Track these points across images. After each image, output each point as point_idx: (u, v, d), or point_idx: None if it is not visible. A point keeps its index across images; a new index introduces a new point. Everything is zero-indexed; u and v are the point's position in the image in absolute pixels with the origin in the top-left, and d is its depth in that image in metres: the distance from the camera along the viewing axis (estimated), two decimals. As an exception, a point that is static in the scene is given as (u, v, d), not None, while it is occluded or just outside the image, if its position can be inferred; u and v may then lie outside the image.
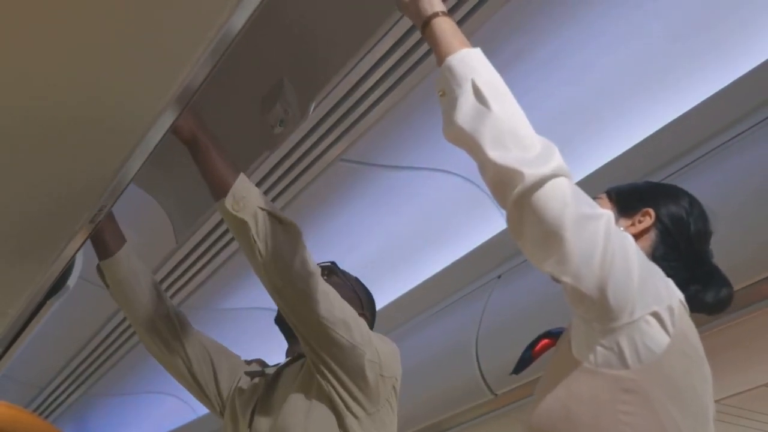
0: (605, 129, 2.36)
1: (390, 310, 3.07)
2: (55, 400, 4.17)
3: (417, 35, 1.95)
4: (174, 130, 1.71)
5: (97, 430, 4.70)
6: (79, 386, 4.02)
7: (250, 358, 2.22)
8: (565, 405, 1.22)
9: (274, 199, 2.54)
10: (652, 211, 1.39)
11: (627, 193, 1.45)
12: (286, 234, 1.76)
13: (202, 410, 4.25)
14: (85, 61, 1.45)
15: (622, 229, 1.34)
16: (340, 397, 1.77)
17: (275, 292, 1.80)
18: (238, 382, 2.07)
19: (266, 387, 1.98)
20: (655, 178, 2.29)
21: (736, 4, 2.01)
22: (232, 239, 2.77)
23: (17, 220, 1.85)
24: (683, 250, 1.35)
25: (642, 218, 1.41)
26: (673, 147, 2.27)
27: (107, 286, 2.05)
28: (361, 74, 2.05)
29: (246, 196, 1.75)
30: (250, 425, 1.90)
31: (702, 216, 1.44)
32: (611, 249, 1.19)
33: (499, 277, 2.96)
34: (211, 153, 1.78)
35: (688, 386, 1.24)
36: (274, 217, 1.75)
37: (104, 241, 2.01)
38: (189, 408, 4.31)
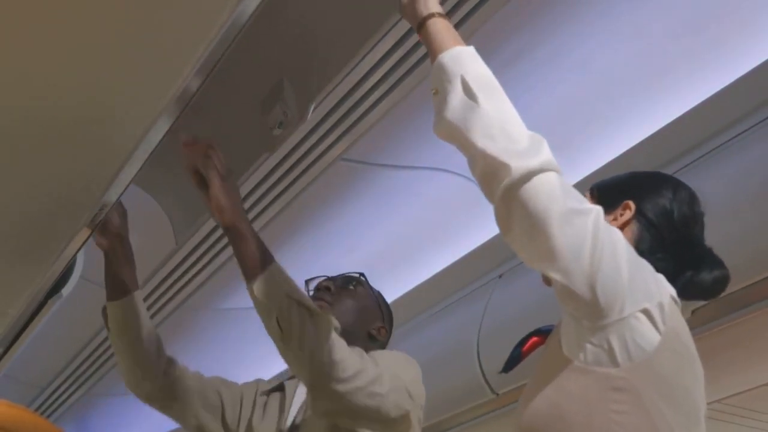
0: (606, 128, 2.36)
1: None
2: (56, 400, 4.17)
3: (415, 37, 1.95)
4: (216, 215, 1.77)
5: (99, 430, 4.70)
6: (80, 386, 4.02)
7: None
8: (557, 404, 1.21)
9: (274, 199, 2.54)
10: (632, 203, 1.38)
11: (608, 187, 1.44)
12: (315, 324, 1.72)
13: (204, 410, 4.25)
14: (85, 62, 1.45)
15: None
16: None
17: (310, 390, 1.76)
18: (252, 408, 2.05)
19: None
20: (656, 178, 2.30)
21: (737, 3, 2.01)
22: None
23: (17, 219, 1.85)
24: (669, 238, 1.33)
25: (623, 211, 1.40)
26: (673, 146, 2.27)
27: (108, 328, 2.03)
28: (361, 74, 2.05)
29: (277, 282, 1.78)
30: None
31: (688, 199, 1.42)
32: (599, 245, 1.18)
33: (500, 276, 2.96)
34: (248, 241, 1.82)
35: (680, 385, 1.24)
36: (303, 306, 1.74)
37: (118, 282, 2.00)
38: (190, 408, 4.31)
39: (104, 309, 2.01)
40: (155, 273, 2.98)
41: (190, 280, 3.04)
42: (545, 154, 1.25)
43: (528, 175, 1.21)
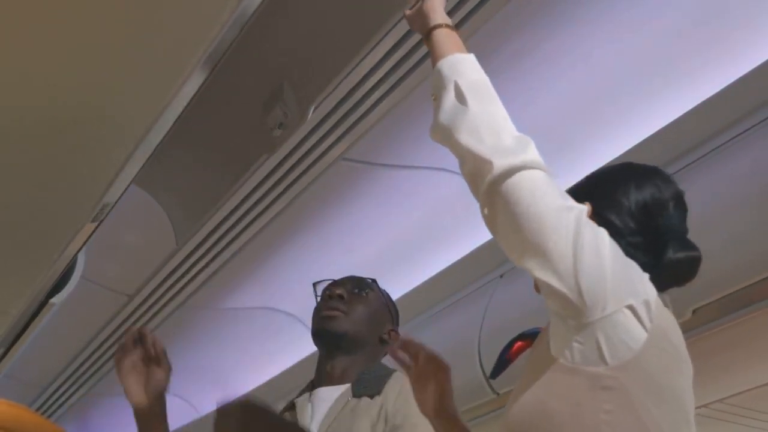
0: (607, 127, 2.36)
1: (392, 310, 3.06)
2: (57, 399, 4.18)
3: (418, 36, 1.95)
4: None
5: (99, 430, 4.70)
6: (81, 386, 4.03)
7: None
8: (544, 403, 1.20)
9: (276, 198, 2.54)
10: (590, 204, 1.33)
11: (572, 191, 1.43)
12: None
13: (205, 410, 4.25)
14: (86, 62, 1.45)
15: None
16: None
17: None
18: None
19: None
20: (657, 177, 2.29)
21: (738, 2, 2.01)
22: (234, 239, 2.77)
23: (18, 219, 1.85)
24: (629, 231, 1.30)
25: None
26: (674, 146, 2.26)
27: None
28: (362, 74, 2.05)
29: None
30: None
31: (651, 188, 1.37)
32: (581, 242, 1.18)
33: (501, 276, 2.95)
34: None
35: (668, 384, 1.21)
36: None
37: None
38: (191, 408, 4.31)
39: None
40: (156, 273, 2.99)
41: (190, 280, 3.04)
42: (531, 153, 1.25)
43: (510, 171, 1.22)
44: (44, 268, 2.03)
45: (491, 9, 1.91)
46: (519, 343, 1.47)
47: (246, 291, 3.25)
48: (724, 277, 2.17)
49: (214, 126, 2.30)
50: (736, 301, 2.22)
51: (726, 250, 2.15)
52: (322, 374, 1.99)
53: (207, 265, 2.95)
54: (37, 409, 4.21)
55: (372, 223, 2.82)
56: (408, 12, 1.54)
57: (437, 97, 1.36)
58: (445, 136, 1.34)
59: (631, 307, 1.18)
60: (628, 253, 1.25)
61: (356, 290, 1.96)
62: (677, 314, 2.32)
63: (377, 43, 1.96)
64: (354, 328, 1.82)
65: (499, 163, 1.22)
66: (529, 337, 1.45)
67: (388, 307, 2.02)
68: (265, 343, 3.64)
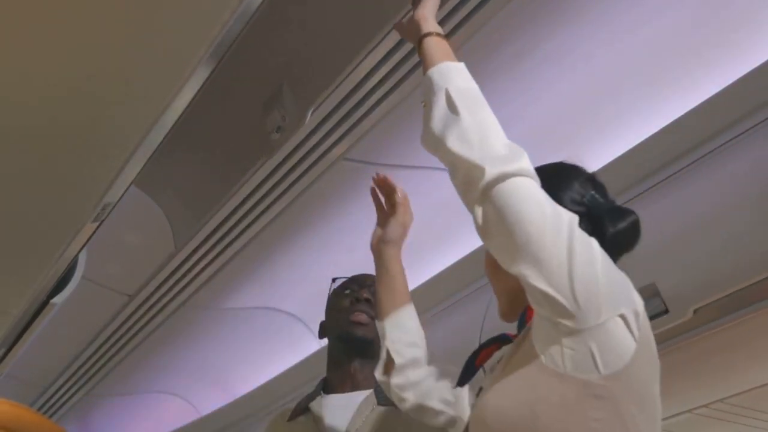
0: (608, 126, 2.36)
1: (393, 310, 3.06)
2: (58, 399, 4.18)
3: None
4: None
5: (101, 430, 4.70)
6: (82, 386, 4.03)
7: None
8: (532, 408, 1.19)
9: (277, 198, 2.54)
10: None
11: None
12: None
13: (206, 410, 4.26)
14: (88, 62, 1.45)
15: None
16: None
17: None
18: None
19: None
20: (658, 177, 2.30)
21: (740, 2, 2.01)
22: (235, 239, 2.78)
23: (19, 219, 1.85)
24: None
25: None
26: (675, 145, 2.26)
27: None
28: (363, 73, 2.05)
29: None
30: None
31: (574, 176, 1.41)
32: (576, 249, 1.19)
33: (502, 276, 2.95)
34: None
35: (650, 393, 1.23)
36: None
37: None
38: (192, 408, 4.32)
39: None
40: (157, 273, 2.99)
41: (191, 280, 3.04)
42: (523, 162, 1.25)
43: (502, 177, 1.22)
44: (45, 268, 2.03)
45: (492, 9, 1.91)
46: (485, 351, 1.50)
47: (247, 291, 3.25)
48: (724, 276, 2.17)
49: (214, 127, 2.30)
50: (737, 301, 2.22)
51: (727, 250, 2.16)
52: (342, 377, 1.97)
53: (208, 265, 2.95)
54: (38, 409, 4.22)
55: (373, 223, 2.82)
56: (397, 22, 1.57)
57: (427, 105, 1.37)
58: (436, 144, 1.34)
59: (623, 316, 1.18)
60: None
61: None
62: (678, 314, 2.34)
63: (378, 44, 1.97)
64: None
65: (491, 170, 1.23)
66: (497, 342, 1.49)
67: None
68: (265, 343, 3.65)
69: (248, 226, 2.70)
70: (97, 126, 1.59)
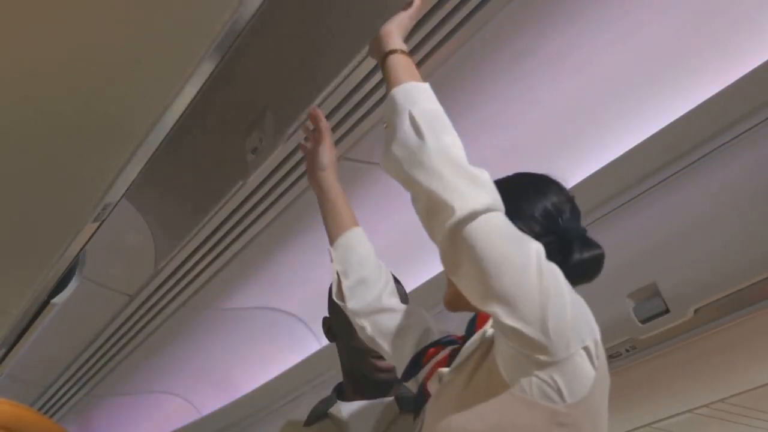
0: (609, 127, 2.36)
1: (393, 309, 3.06)
2: (59, 399, 4.18)
3: (418, 36, 1.95)
4: None
5: (101, 430, 4.70)
6: (83, 386, 4.03)
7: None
8: (497, 428, 1.22)
9: (277, 198, 2.54)
10: None
11: None
12: None
13: (206, 410, 4.26)
14: (88, 61, 1.45)
15: None
16: None
17: None
18: None
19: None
20: (659, 177, 2.29)
21: (741, 2, 2.01)
22: (236, 239, 2.78)
23: (19, 219, 1.85)
24: (535, 237, 1.29)
25: None
26: (675, 146, 2.26)
27: None
28: (364, 73, 2.05)
29: None
30: None
31: (548, 193, 1.40)
32: (546, 284, 1.19)
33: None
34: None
35: (604, 415, 1.26)
36: None
37: None
38: (193, 408, 4.32)
39: None
40: (157, 273, 2.99)
41: (192, 281, 3.04)
42: (490, 194, 1.24)
43: (472, 215, 1.20)
44: (45, 268, 2.03)
45: (492, 9, 1.91)
46: (431, 350, 1.51)
47: (247, 291, 3.25)
48: (725, 276, 2.17)
49: (197, 148, 2.29)
50: (737, 301, 2.22)
51: (728, 250, 2.16)
52: (361, 389, 1.94)
53: (208, 265, 2.95)
54: (39, 409, 4.22)
55: (374, 222, 2.81)
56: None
57: (390, 126, 1.34)
58: (397, 170, 1.31)
59: (586, 348, 1.21)
60: None
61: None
62: (679, 314, 2.34)
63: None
64: None
65: (461, 207, 1.21)
66: (443, 344, 1.50)
67: None
68: (266, 343, 3.65)
69: (249, 226, 2.69)
70: (97, 126, 1.59)
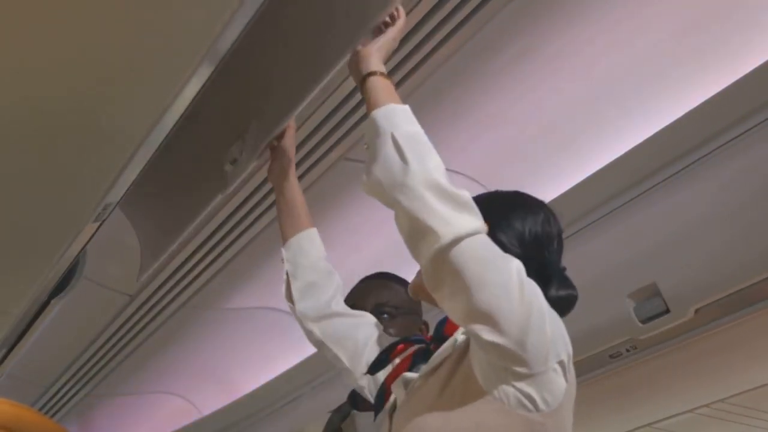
0: (610, 127, 2.36)
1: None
2: (59, 399, 4.18)
3: (418, 36, 1.95)
4: None
5: (102, 430, 4.71)
6: (83, 386, 4.03)
7: None
8: None
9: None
10: (487, 223, 1.35)
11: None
12: None
13: (207, 410, 4.26)
14: (89, 61, 1.45)
15: None
16: None
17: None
18: None
19: None
20: (659, 177, 2.29)
21: (742, 2, 2.01)
22: (236, 239, 2.78)
23: (20, 219, 1.85)
24: (520, 258, 1.31)
25: None
26: (676, 146, 2.26)
27: None
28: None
29: None
30: None
31: (541, 220, 1.42)
32: (526, 301, 1.22)
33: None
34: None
35: (570, 423, 1.30)
36: None
37: None
38: (193, 408, 4.32)
39: None
40: (158, 273, 2.99)
41: (192, 281, 3.04)
42: (472, 217, 1.26)
43: (456, 241, 1.22)
44: (46, 268, 2.03)
45: (493, 8, 1.91)
46: (400, 346, 1.53)
47: (248, 291, 3.25)
48: (725, 276, 2.17)
49: (184, 158, 2.28)
50: (738, 301, 2.22)
51: (728, 250, 2.16)
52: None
53: (209, 265, 2.95)
54: (40, 409, 4.22)
55: (375, 222, 2.82)
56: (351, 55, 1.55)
57: (371, 148, 1.35)
58: (380, 191, 1.32)
59: (561, 362, 1.25)
60: None
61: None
62: (679, 314, 2.34)
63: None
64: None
65: (445, 233, 1.22)
66: (412, 342, 1.53)
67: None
68: (267, 343, 3.65)
69: (249, 226, 2.70)
70: (98, 126, 1.59)
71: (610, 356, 2.55)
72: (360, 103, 2.13)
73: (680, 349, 2.46)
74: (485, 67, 2.16)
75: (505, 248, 1.32)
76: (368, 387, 1.63)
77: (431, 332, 1.55)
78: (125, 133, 1.63)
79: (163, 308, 3.26)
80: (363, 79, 1.46)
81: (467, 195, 1.27)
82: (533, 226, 1.40)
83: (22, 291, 2.14)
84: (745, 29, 2.06)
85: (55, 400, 4.18)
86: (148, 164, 1.74)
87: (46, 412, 4.26)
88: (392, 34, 1.57)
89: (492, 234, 1.29)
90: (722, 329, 2.33)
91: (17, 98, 1.50)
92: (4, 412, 1.20)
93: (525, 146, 2.45)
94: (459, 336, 1.37)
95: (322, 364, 3.41)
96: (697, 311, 2.27)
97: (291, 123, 1.89)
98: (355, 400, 1.95)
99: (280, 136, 1.88)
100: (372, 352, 1.63)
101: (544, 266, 1.36)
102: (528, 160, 2.50)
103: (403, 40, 1.96)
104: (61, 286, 2.45)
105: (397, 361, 1.51)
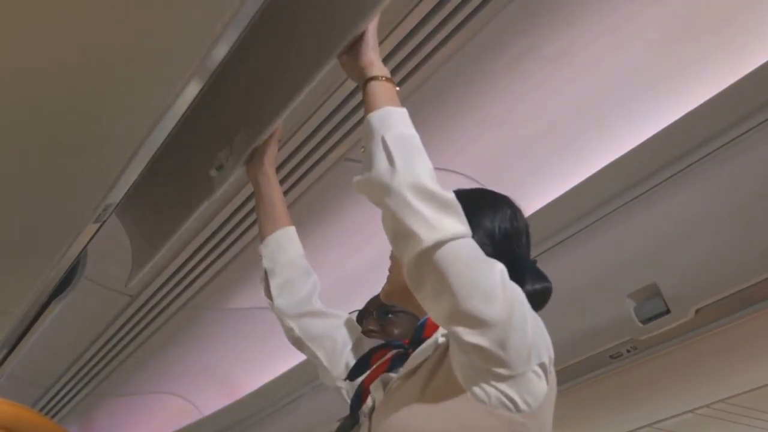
0: (610, 128, 2.36)
1: (395, 310, 3.06)
2: (60, 400, 4.18)
3: (420, 35, 1.95)
4: None
5: (103, 430, 4.71)
6: (84, 386, 4.03)
7: None
8: None
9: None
10: None
11: None
12: None
13: (208, 410, 4.26)
14: (90, 61, 1.45)
15: None
16: None
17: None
18: None
19: None
20: (659, 177, 2.29)
21: (743, 3, 2.01)
22: (237, 239, 2.78)
23: (21, 219, 1.85)
24: (492, 255, 1.32)
25: None
26: (677, 146, 2.26)
27: None
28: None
29: None
30: None
31: (509, 216, 1.44)
32: (509, 304, 1.23)
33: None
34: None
35: (550, 423, 1.31)
36: None
37: None
38: (194, 408, 4.32)
39: None
40: (159, 274, 2.99)
41: (193, 281, 3.04)
42: (456, 220, 1.26)
43: (439, 244, 1.23)
44: (47, 268, 2.04)
45: (494, 8, 1.91)
46: (381, 352, 1.53)
47: (249, 291, 3.25)
48: (726, 277, 2.17)
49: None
50: (739, 301, 2.22)
51: (728, 250, 2.16)
52: None
53: (210, 265, 2.95)
54: (41, 410, 4.22)
55: (376, 223, 2.82)
56: (343, 56, 1.55)
57: (366, 149, 1.36)
58: (368, 192, 1.34)
59: (542, 365, 1.26)
60: None
61: None
62: (679, 314, 2.34)
63: (381, 41, 1.96)
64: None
65: (427, 238, 1.23)
66: (393, 347, 1.52)
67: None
68: (268, 343, 3.64)
69: (250, 227, 2.70)
70: (98, 126, 1.59)
71: (611, 356, 2.55)
72: (359, 104, 2.14)
73: (681, 349, 2.46)
74: (486, 67, 2.16)
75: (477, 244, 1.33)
76: (346, 389, 1.64)
77: None
78: (126, 133, 1.63)
79: (164, 308, 3.26)
80: (365, 83, 1.46)
81: (453, 198, 1.27)
82: (502, 223, 1.42)
83: (23, 291, 2.14)
84: (746, 30, 2.06)
85: (55, 400, 4.18)
86: (148, 165, 1.74)
87: (47, 413, 4.26)
88: (372, 31, 1.56)
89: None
90: (723, 329, 2.34)
91: (17, 98, 1.50)
92: (3, 412, 1.20)
93: (525, 146, 2.45)
94: (439, 337, 1.38)
95: (322, 365, 3.42)
96: (697, 311, 2.27)
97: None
98: None
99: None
100: (351, 354, 1.65)
101: (516, 262, 1.37)
102: (529, 161, 2.50)
103: (404, 41, 1.96)
104: (61, 287, 2.45)
105: (376, 365, 1.51)
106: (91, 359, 3.73)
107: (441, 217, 1.25)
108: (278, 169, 2.37)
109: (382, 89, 1.44)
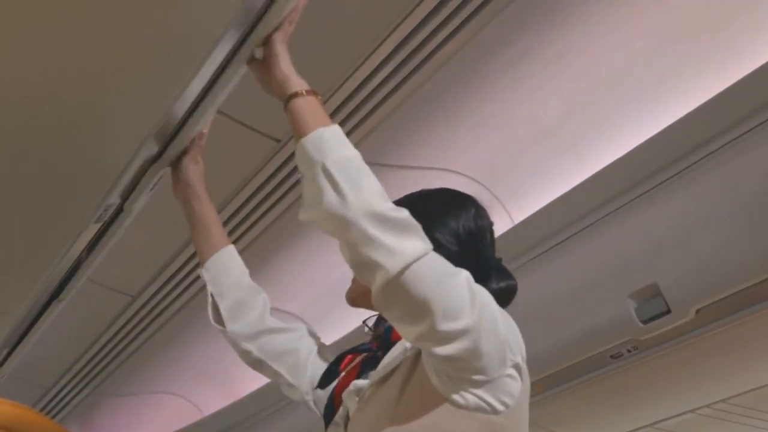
0: (610, 128, 2.36)
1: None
2: (61, 400, 4.18)
3: (422, 34, 1.95)
4: None
5: (103, 430, 4.71)
6: (85, 386, 4.03)
7: None
8: None
9: (279, 199, 2.54)
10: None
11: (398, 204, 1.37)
12: None
13: (208, 410, 4.26)
14: (90, 61, 1.46)
15: None
16: None
17: None
18: None
19: None
20: (660, 177, 2.29)
21: (744, 3, 2.01)
22: (237, 240, 2.78)
23: (21, 219, 1.85)
24: (457, 255, 1.32)
25: None
26: (677, 146, 2.26)
27: None
28: (366, 73, 2.05)
29: None
30: None
31: (473, 214, 1.43)
32: (477, 310, 1.22)
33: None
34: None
35: (526, 419, 1.32)
36: None
37: None
38: (195, 408, 4.32)
39: None
40: (159, 273, 2.99)
41: (194, 281, 3.04)
42: (416, 239, 1.23)
43: (403, 270, 1.19)
44: (48, 268, 2.04)
45: (495, 8, 1.91)
46: (348, 357, 1.51)
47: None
48: (727, 277, 2.17)
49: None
50: (739, 301, 2.22)
51: (729, 250, 2.15)
52: None
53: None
54: (41, 410, 4.22)
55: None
56: (253, 62, 1.48)
57: (306, 177, 1.30)
58: (319, 223, 1.29)
59: (516, 365, 1.27)
60: None
61: None
62: (680, 314, 2.33)
63: (378, 46, 1.96)
64: None
65: (392, 267, 1.20)
66: (360, 351, 1.51)
67: None
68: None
69: (250, 227, 2.70)
70: (98, 126, 1.59)
71: (611, 356, 2.55)
72: (360, 104, 2.14)
73: (681, 349, 2.46)
74: (486, 68, 2.16)
75: (442, 246, 1.33)
76: (314, 400, 1.59)
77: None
78: (127, 133, 1.63)
79: (165, 308, 3.26)
80: (287, 101, 1.38)
81: (407, 215, 1.24)
82: (466, 222, 1.41)
83: (24, 291, 2.14)
84: (745, 30, 2.06)
85: (56, 400, 4.18)
86: (146, 164, 1.73)
87: (48, 413, 4.26)
88: (281, 39, 1.47)
89: (428, 233, 1.26)
90: (723, 330, 2.33)
91: (18, 98, 1.50)
92: (4, 412, 1.20)
93: (526, 147, 2.45)
94: (407, 342, 1.37)
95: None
96: (698, 312, 2.27)
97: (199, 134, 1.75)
98: None
99: (183, 152, 1.74)
100: (316, 363, 1.60)
101: (480, 260, 1.37)
102: (529, 161, 2.50)
103: (404, 41, 1.96)
104: (62, 287, 2.45)
105: (346, 371, 1.49)
106: (91, 359, 3.73)
107: (401, 242, 1.21)
108: (278, 169, 2.38)
109: (306, 106, 1.36)
